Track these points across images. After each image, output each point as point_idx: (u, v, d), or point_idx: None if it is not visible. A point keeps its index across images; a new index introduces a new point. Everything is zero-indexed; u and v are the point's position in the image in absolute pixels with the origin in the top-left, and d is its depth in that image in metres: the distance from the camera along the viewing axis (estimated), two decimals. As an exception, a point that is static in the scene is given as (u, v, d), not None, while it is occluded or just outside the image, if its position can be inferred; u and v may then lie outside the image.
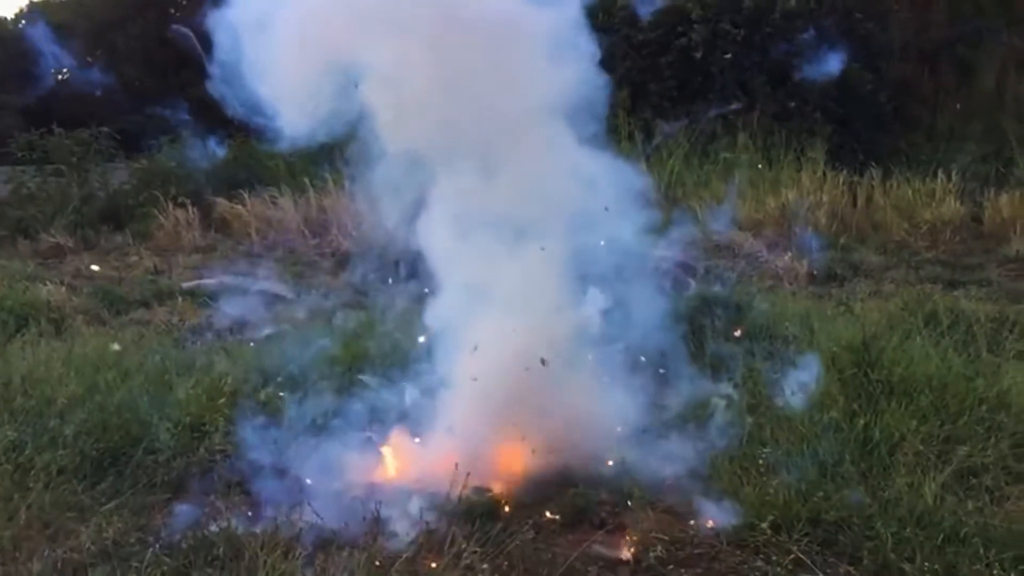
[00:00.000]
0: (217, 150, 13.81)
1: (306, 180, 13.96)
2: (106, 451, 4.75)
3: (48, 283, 9.47)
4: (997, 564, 3.69)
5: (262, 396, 5.68)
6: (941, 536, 3.90)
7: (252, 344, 7.02)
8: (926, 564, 3.71)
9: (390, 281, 10.37)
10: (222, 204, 14.37)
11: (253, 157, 15.05)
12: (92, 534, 3.82)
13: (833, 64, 12.11)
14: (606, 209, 4.93)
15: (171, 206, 14.12)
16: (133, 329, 7.89)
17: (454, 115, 4.64)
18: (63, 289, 9.30)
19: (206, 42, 4.95)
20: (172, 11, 24.60)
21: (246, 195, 14.14)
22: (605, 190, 4.95)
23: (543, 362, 4.61)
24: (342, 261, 12.07)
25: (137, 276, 11.15)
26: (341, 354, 6.39)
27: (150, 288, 10.11)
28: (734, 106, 13.16)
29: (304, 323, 7.99)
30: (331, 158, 13.72)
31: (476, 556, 3.69)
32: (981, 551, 3.76)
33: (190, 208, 14.08)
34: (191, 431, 5.14)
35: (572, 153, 4.89)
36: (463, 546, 3.71)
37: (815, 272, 9.78)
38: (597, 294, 4.99)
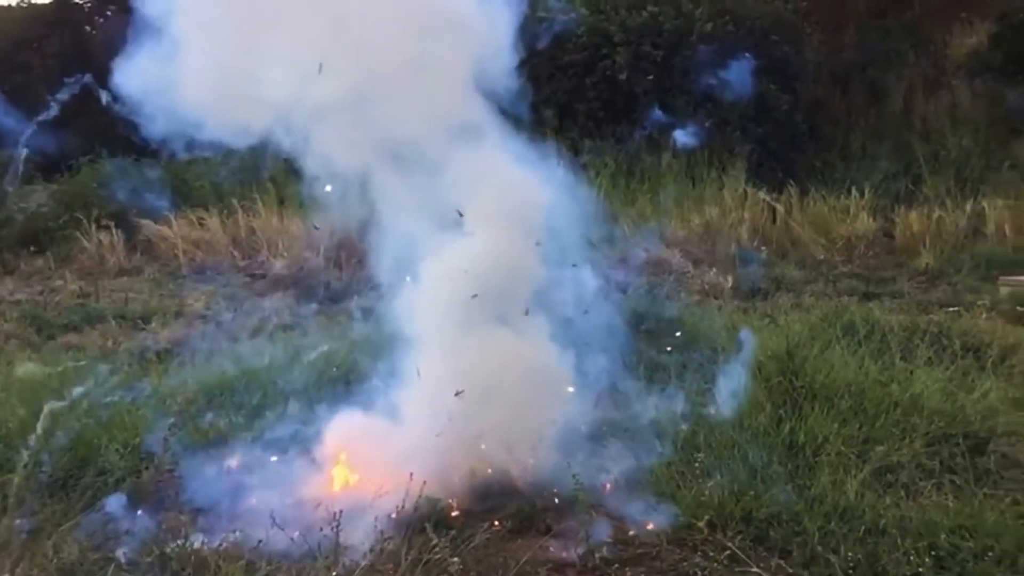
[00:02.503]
0: (141, 170, 13.65)
1: (234, 201, 13.86)
2: (55, 474, 4.76)
3: (-27, 308, 9.31)
4: (913, 552, 3.98)
5: (208, 416, 5.74)
6: (863, 529, 4.20)
7: (192, 365, 7.03)
8: (850, 554, 4.00)
9: (320, 301, 10.48)
10: (148, 225, 14.12)
11: (180, 177, 14.84)
12: (52, 554, 3.85)
13: (747, 84, 12.54)
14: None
15: (94, 228, 13.83)
16: (67, 353, 7.82)
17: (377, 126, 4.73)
18: (-10, 314, 9.15)
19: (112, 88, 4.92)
20: (88, 28, 24.08)
21: (172, 216, 13.94)
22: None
23: (457, 394, 4.69)
24: (273, 282, 12.07)
25: (63, 300, 10.95)
26: (280, 372, 6.46)
27: (78, 312, 9.99)
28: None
29: (241, 344, 8.00)
30: (259, 178, 13.70)
31: (433, 562, 3.84)
32: (899, 541, 4.06)
33: (114, 230, 13.82)
34: (139, 452, 5.18)
35: (509, 170, 5.08)
36: (428, 544, 3.86)
37: (739, 286, 10.13)
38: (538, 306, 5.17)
